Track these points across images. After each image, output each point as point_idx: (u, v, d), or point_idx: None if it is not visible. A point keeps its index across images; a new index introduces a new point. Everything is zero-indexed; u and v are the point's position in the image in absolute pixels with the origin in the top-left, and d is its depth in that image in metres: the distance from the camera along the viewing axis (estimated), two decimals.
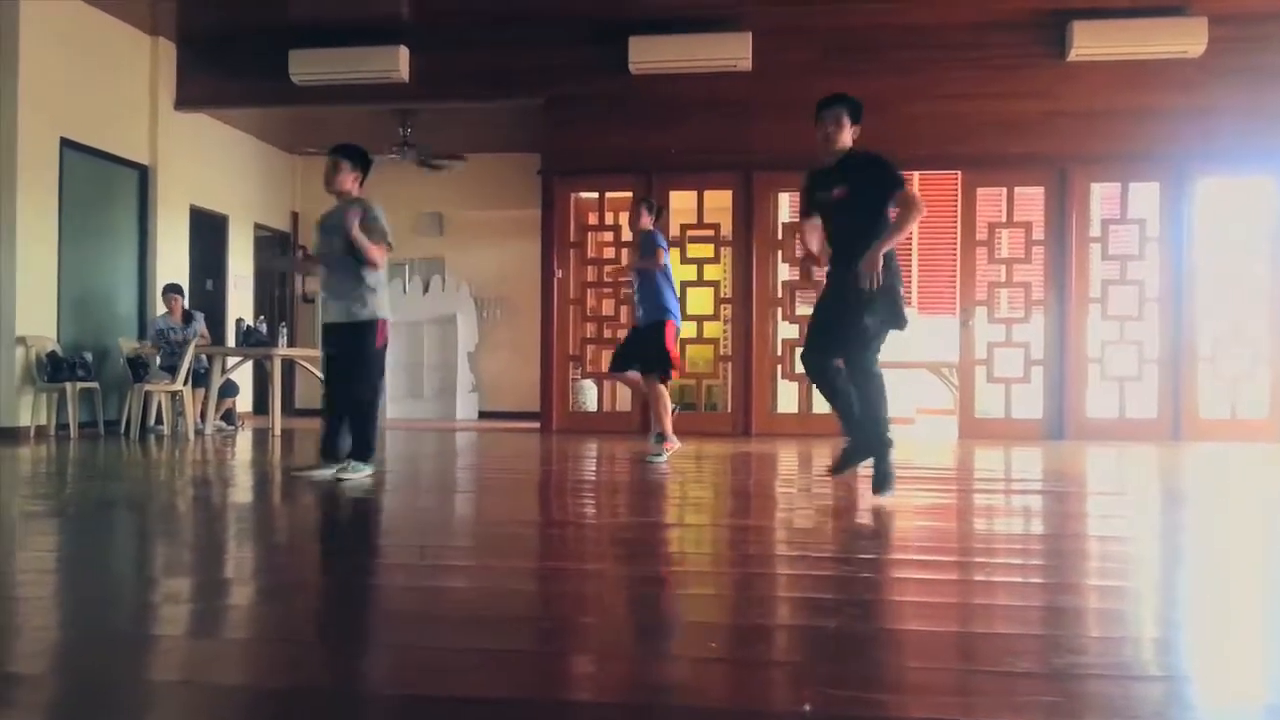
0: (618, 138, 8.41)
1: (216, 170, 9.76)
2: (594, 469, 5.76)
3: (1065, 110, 7.93)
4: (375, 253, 4.81)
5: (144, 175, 8.72)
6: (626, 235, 8.64)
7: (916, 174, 8.99)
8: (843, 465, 4.46)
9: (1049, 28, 7.86)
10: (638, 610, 2.52)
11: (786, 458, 6.40)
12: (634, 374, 6.13)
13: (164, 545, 3.51)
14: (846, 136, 4.34)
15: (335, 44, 8.30)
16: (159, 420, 8.00)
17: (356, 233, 4.71)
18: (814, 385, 4.59)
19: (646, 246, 6.03)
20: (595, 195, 8.85)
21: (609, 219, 8.86)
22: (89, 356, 7.78)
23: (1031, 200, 8.33)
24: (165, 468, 5.76)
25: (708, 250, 8.65)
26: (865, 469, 4.39)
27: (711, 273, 8.78)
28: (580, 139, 8.48)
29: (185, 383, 7.84)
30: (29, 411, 7.44)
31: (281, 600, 2.59)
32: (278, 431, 7.83)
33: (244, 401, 9.60)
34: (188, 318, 8.20)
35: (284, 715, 1.71)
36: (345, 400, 4.87)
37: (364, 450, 4.84)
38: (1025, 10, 7.86)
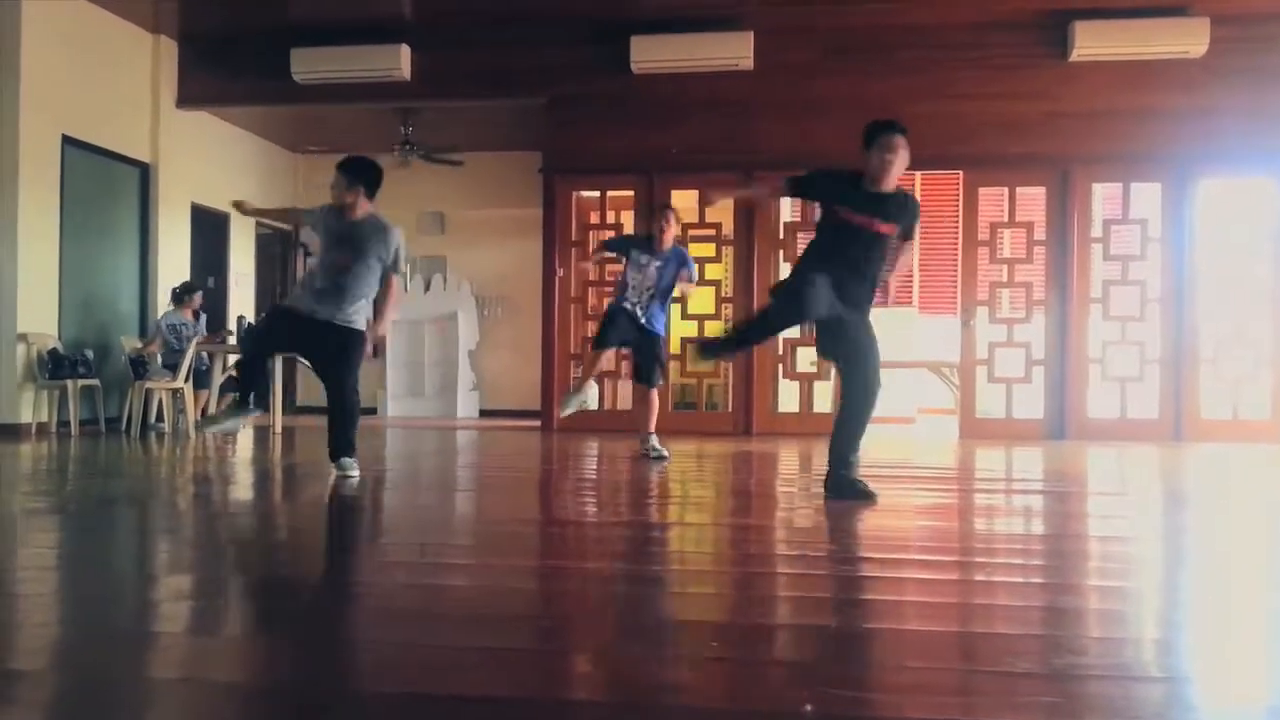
0: (619, 137, 8.41)
1: (218, 168, 9.75)
2: (594, 468, 5.76)
3: (1067, 110, 7.92)
4: (396, 294, 4.95)
5: (145, 173, 8.72)
6: (628, 234, 8.65)
7: (918, 174, 9.00)
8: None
9: (1050, 28, 7.85)
10: (638, 609, 2.52)
11: (787, 457, 6.40)
12: (606, 359, 6.23)
13: (164, 542, 3.51)
14: (902, 167, 4.11)
15: (337, 42, 8.30)
16: (160, 418, 8.01)
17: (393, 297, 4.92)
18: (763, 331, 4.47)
19: (687, 261, 6.13)
20: (596, 194, 8.85)
21: (610, 218, 8.86)
22: (90, 354, 7.79)
23: (1033, 200, 8.32)
24: (166, 465, 5.77)
25: (709, 249, 8.64)
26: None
27: (713, 272, 8.77)
28: (582, 138, 8.48)
29: (186, 380, 7.85)
30: (30, 408, 7.44)
31: (281, 597, 2.59)
32: (278, 429, 7.83)
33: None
34: (196, 316, 8.25)
35: (284, 713, 1.71)
36: (334, 405, 4.86)
37: (351, 448, 4.85)
38: (1027, 10, 7.85)
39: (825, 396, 8.41)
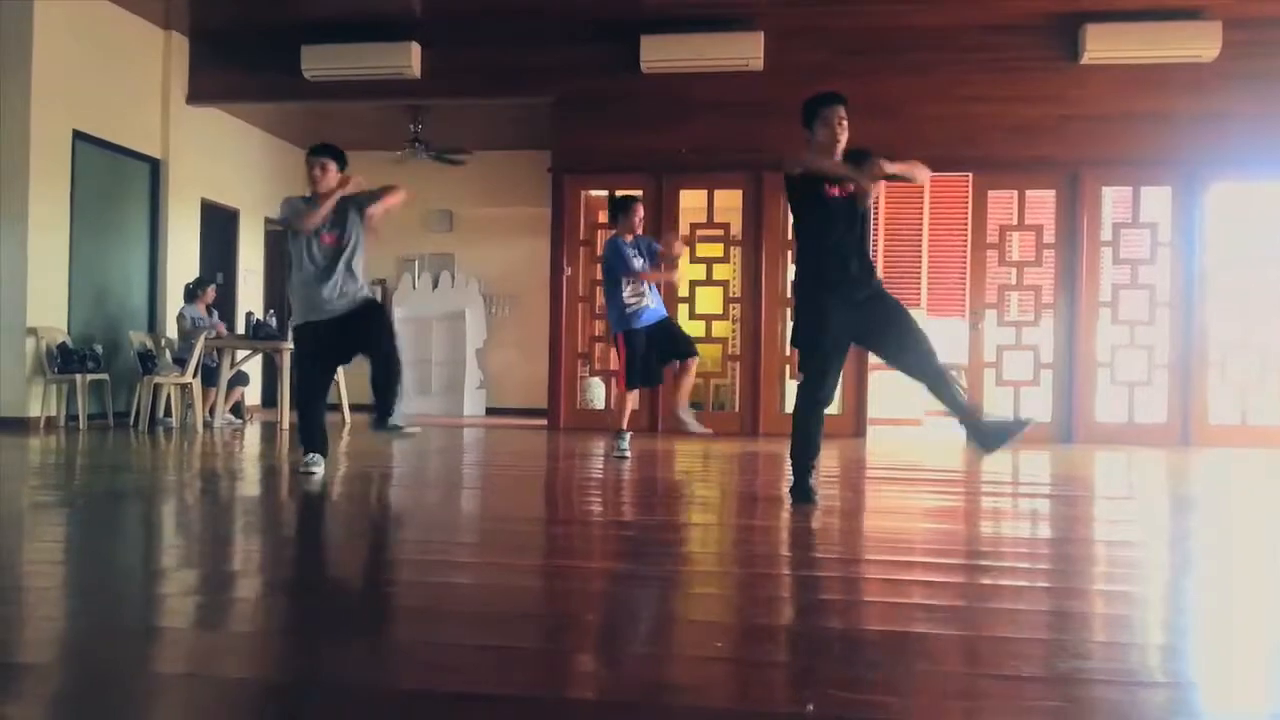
0: (628, 136, 8.41)
1: (228, 164, 9.79)
2: (601, 467, 5.76)
3: (1077, 113, 7.89)
4: (398, 197, 5.04)
5: (156, 168, 8.75)
6: (636, 233, 8.65)
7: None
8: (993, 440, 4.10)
9: (1061, 31, 7.83)
10: (643, 609, 2.52)
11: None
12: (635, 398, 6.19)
13: (171, 537, 3.53)
14: (846, 137, 4.08)
15: (348, 40, 8.32)
16: (168, 413, 8.04)
17: (387, 204, 4.95)
18: (816, 422, 4.19)
19: (652, 246, 6.06)
20: (605, 193, 8.83)
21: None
22: (99, 348, 7.82)
23: (1043, 203, 8.30)
24: (173, 460, 5.78)
25: (717, 250, 8.64)
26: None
27: (721, 272, 8.77)
28: (591, 137, 8.48)
29: (195, 375, 7.88)
30: (39, 402, 7.48)
31: (287, 594, 2.60)
32: (286, 425, 7.84)
33: (253, 395, 9.63)
34: (209, 311, 8.29)
35: (289, 709, 1.71)
36: (382, 361, 4.87)
37: (393, 409, 4.91)
38: (1038, 13, 7.83)
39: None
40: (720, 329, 8.72)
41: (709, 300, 8.64)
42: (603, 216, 8.96)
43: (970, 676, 1.91)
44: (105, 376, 7.82)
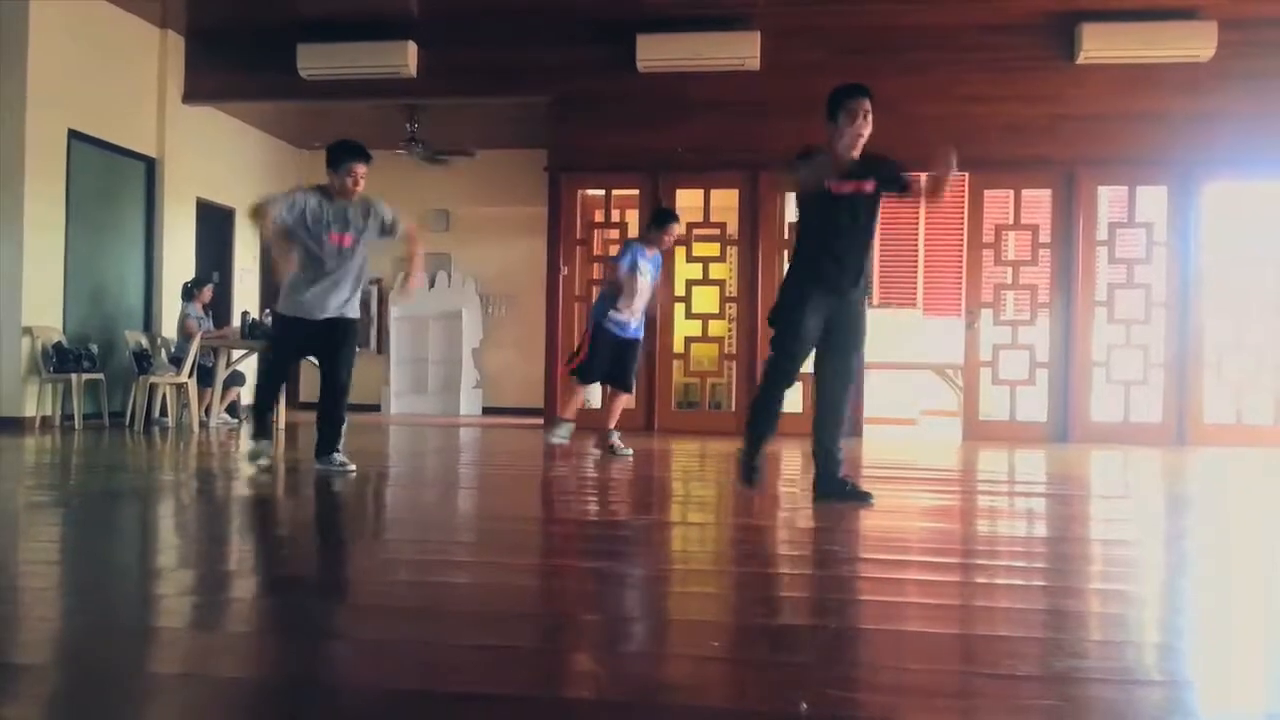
0: (625, 136, 8.41)
1: (224, 164, 9.77)
2: (596, 466, 5.76)
3: (1073, 113, 7.91)
4: (416, 239, 5.08)
5: (151, 167, 8.73)
6: (633, 232, 8.64)
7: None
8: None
9: (1057, 30, 7.84)
10: (639, 608, 2.52)
11: (789, 456, 6.39)
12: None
13: (166, 537, 3.52)
14: (869, 131, 4.04)
15: (344, 39, 8.31)
16: (163, 412, 8.02)
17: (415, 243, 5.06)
18: (778, 399, 4.33)
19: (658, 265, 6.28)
20: (601, 193, 8.85)
21: (615, 216, 8.86)
22: (94, 348, 7.81)
23: (1039, 203, 8.31)
24: (169, 460, 5.77)
25: (713, 249, 8.65)
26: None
27: (717, 271, 8.78)
28: (587, 136, 8.48)
29: (190, 375, 7.86)
30: (34, 402, 7.46)
31: (283, 594, 2.60)
32: (281, 425, 7.82)
33: (248, 394, 9.61)
34: (206, 310, 8.28)
35: (285, 709, 1.71)
36: (335, 392, 4.93)
37: (339, 441, 4.96)
38: (1034, 12, 7.84)
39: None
40: (716, 328, 8.72)
41: (705, 300, 8.65)
42: (599, 216, 8.97)
43: (966, 675, 1.91)
44: (100, 376, 7.81)
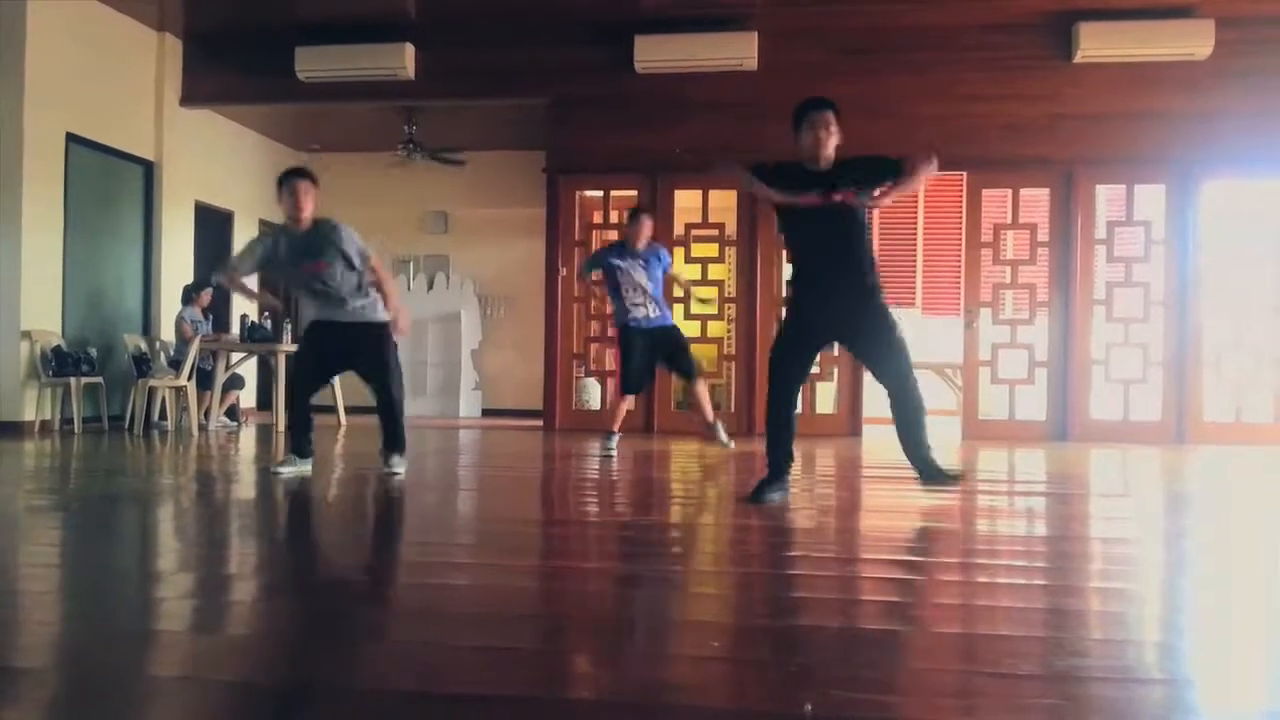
0: (623, 137, 8.41)
1: (222, 166, 9.77)
2: (596, 467, 5.76)
3: (1071, 112, 7.91)
4: (388, 280, 4.99)
5: (149, 171, 8.73)
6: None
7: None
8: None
9: (1055, 29, 7.84)
10: (639, 609, 2.52)
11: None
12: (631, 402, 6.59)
13: (166, 541, 3.52)
14: (835, 142, 4.08)
15: (342, 41, 8.31)
16: (163, 416, 8.02)
17: (383, 276, 4.95)
18: (779, 415, 4.25)
19: (661, 255, 6.40)
20: (600, 194, 8.85)
21: (613, 218, 8.85)
22: (93, 351, 7.80)
23: (1037, 202, 8.31)
24: (168, 463, 5.77)
25: (712, 250, 8.65)
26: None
27: (716, 272, 8.78)
28: (585, 138, 8.48)
29: (190, 378, 7.86)
30: (33, 406, 7.45)
31: (284, 596, 2.59)
32: (281, 428, 7.83)
33: (248, 397, 9.61)
34: (206, 314, 8.28)
35: (286, 712, 1.71)
36: (385, 400, 4.98)
37: (403, 444, 5.04)
38: (1032, 12, 7.84)
39: (828, 397, 8.41)
40: (715, 329, 8.72)
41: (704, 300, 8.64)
42: (597, 217, 8.98)
43: (967, 674, 1.91)
44: (100, 380, 7.80)
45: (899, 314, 4.38)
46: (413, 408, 10.70)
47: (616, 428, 6.32)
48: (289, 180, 4.81)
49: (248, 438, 7.53)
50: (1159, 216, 8.04)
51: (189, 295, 8.26)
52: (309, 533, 3.76)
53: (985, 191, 8.26)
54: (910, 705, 1.73)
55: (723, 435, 6.40)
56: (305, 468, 4.96)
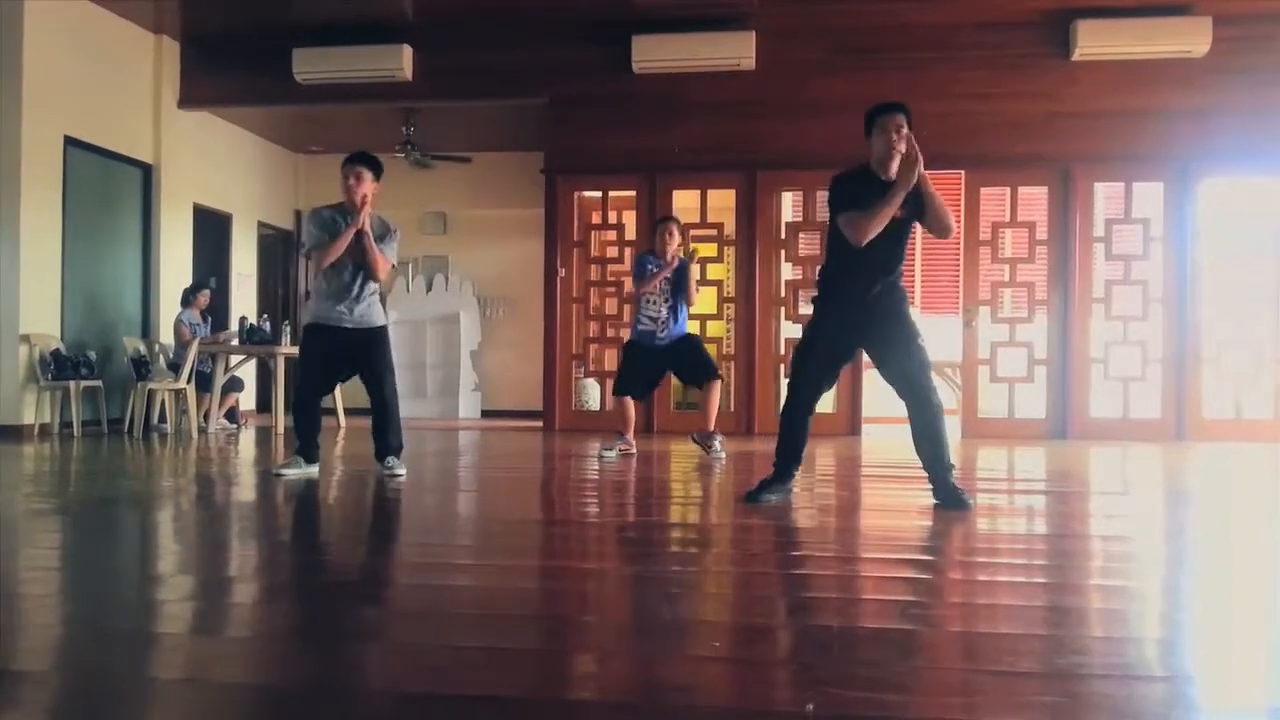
0: (621, 137, 8.41)
1: (220, 168, 9.77)
2: (596, 468, 5.76)
3: (1069, 110, 7.91)
4: (385, 266, 4.95)
5: (148, 173, 8.73)
6: (630, 234, 8.66)
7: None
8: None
9: (1053, 27, 7.84)
10: (640, 609, 2.52)
11: None
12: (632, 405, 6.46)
13: (166, 543, 3.52)
14: (904, 147, 3.98)
15: (339, 43, 8.31)
16: (162, 419, 8.01)
17: (372, 246, 4.85)
18: (794, 420, 4.23)
19: (686, 274, 6.35)
20: (599, 194, 8.85)
21: (612, 218, 8.87)
22: (93, 355, 7.79)
23: (1035, 200, 8.32)
24: (168, 466, 5.77)
25: (711, 249, 8.65)
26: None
27: (715, 272, 8.78)
28: (584, 138, 8.48)
29: (189, 381, 7.85)
30: (33, 409, 7.45)
31: (285, 598, 2.59)
32: (280, 430, 7.83)
33: (247, 399, 9.61)
34: (204, 316, 8.28)
35: (287, 713, 1.71)
36: (383, 401, 5.00)
37: (398, 448, 5.04)
38: (1029, 10, 7.84)
39: (828, 398, 8.40)
40: (715, 329, 8.73)
41: (703, 300, 8.61)
42: (596, 217, 8.99)
43: (968, 672, 1.91)
44: (99, 383, 7.80)
45: None
46: (412, 409, 10.74)
47: (623, 429, 6.27)
48: (351, 164, 4.87)
49: (247, 440, 7.53)
50: (1157, 214, 8.05)
51: (187, 298, 8.27)
52: (309, 534, 3.75)
53: (984, 189, 8.27)
54: (911, 704, 1.73)
55: (718, 447, 6.19)
56: (312, 470, 4.96)
